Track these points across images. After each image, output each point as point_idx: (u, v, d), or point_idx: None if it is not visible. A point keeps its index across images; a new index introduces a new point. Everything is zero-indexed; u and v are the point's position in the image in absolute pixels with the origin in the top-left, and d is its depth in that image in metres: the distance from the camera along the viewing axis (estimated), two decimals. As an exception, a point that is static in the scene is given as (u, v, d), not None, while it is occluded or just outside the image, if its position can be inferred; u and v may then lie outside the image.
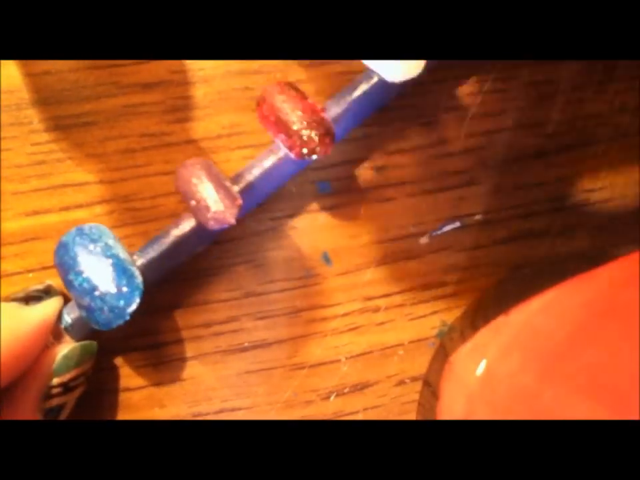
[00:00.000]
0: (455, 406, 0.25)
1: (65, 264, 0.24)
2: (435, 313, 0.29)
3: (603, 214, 0.29)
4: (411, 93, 0.29)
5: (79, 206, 0.27)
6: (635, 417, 0.18)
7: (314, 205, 0.28)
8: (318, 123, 0.25)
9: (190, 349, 0.27)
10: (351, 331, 0.28)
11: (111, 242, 0.24)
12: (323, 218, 0.28)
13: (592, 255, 0.29)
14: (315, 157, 0.25)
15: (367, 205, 0.29)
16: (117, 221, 0.27)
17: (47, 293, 0.25)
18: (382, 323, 0.28)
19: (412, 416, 0.28)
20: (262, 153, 0.27)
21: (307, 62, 0.28)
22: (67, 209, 0.27)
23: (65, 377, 0.24)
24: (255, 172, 0.26)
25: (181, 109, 0.28)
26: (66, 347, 0.24)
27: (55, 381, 0.24)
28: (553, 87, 0.30)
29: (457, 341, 0.26)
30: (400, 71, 0.25)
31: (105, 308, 0.24)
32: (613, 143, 0.30)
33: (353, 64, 0.28)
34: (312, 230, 0.28)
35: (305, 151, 0.25)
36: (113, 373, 0.27)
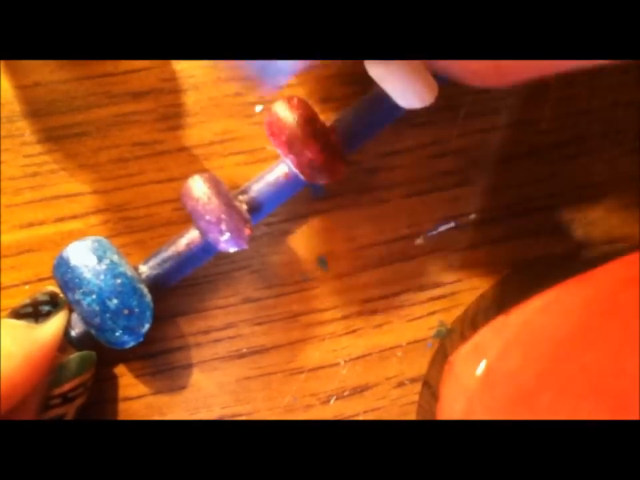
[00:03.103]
0: (454, 406, 0.25)
1: (69, 282, 0.24)
2: (432, 313, 0.29)
3: (598, 210, 0.30)
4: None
5: (74, 217, 0.27)
6: (635, 417, 0.18)
7: (308, 209, 0.28)
8: (332, 150, 0.25)
9: (188, 357, 0.27)
10: (349, 334, 0.28)
11: (116, 258, 0.24)
12: (318, 222, 0.28)
13: (590, 254, 0.29)
14: (322, 181, 0.25)
15: (361, 208, 0.28)
16: (112, 231, 0.27)
17: (54, 304, 0.24)
18: (380, 325, 0.28)
19: (412, 417, 0.28)
20: (267, 169, 0.27)
21: (297, 66, 0.28)
22: (61, 220, 0.27)
23: (64, 388, 0.24)
24: (261, 189, 0.26)
25: (173, 116, 0.28)
26: (65, 358, 0.24)
27: (54, 391, 0.24)
28: (544, 83, 0.30)
29: (456, 341, 0.26)
30: (414, 97, 0.25)
31: (118, 329, 0.24)
32: (605, 138, 0.30)
33: (343, 68, 0.28)
34: (307, 234, 0.28)
35: (319, 180, 0.25)
36: (112, 382, 0.27)
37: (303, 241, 0.28)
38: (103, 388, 0.27)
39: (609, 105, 0.30)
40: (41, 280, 0.27)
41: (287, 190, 0.27)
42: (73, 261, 0.24)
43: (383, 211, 0.29)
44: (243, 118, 0.28)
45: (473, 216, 0.29)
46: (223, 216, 0.24)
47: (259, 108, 0.28)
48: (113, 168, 0.27)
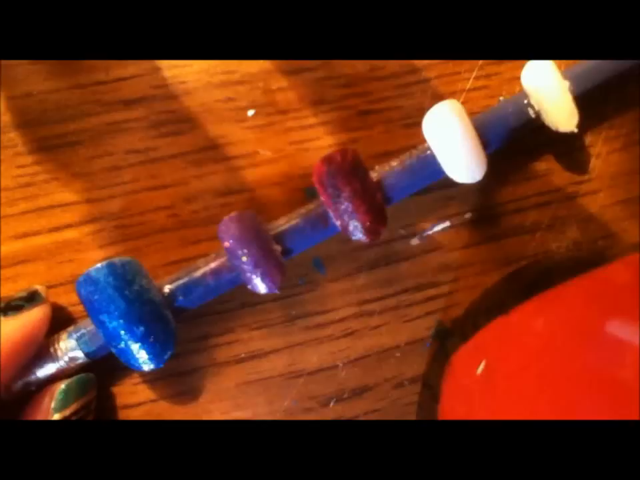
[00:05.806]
0: (455, 406, 0.25)
1: (95, 302, 0.23)
2: (429, 313, 0.29)
3: (593, 205, 0.30)
4: (395, 94, 0.29)
5: (68, 226, 0.27)
6: (634, 417, 0.18)
7: (303, 212, 0.28)
8: (377, 211, 0.26)
9: (187, 363, 0.27)
10: (347, 336, 0.28)
11: (145, 282, 0.24)
12: (313, 225, 0.28)
13: (587, 249, 0.29)
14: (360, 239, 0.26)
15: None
16: (106, 239, 0.27)
17: (30, 300, 0.24)
18: (377, 326, 0.28)
19: (412, 418, 0.28)
20: (306, 212, 0.26)
21: (288, 69, 0.28)
22: (56, 229, 0.27)
23: (66, 412, 0.24)
24: (297, 236, 0.26)
25: (165, 123, 0.28)
26: (63, 383, 0.24)
27: (56, 417, 0.24)
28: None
29: (456, 341, 0.26)
30: (466, 174, 0.26)
31: (142, 355, 0.24)
32: (598, 134, 0.30)
33: (334, 70, 0.28)
34: (303, 237, 0.28)
35: (356, 237, 0.26)
36: (111, 390, 0.27)
37: (298, 245, 0.28)
38: (101, 396, 0.27)
39: (598, 101, 0.30)
40: (37, 290, 0.27)
41: (322, 236, 0.27)
42: (102, 282, 0.24)
43: (377, 212, 0.29)
44: (235, 123, 0.28)
45: (467, 215, 0.29)
46: (260, 261, 0.24)
47: (251, 112, 0.28)
48: (107, 176, 0.27)
